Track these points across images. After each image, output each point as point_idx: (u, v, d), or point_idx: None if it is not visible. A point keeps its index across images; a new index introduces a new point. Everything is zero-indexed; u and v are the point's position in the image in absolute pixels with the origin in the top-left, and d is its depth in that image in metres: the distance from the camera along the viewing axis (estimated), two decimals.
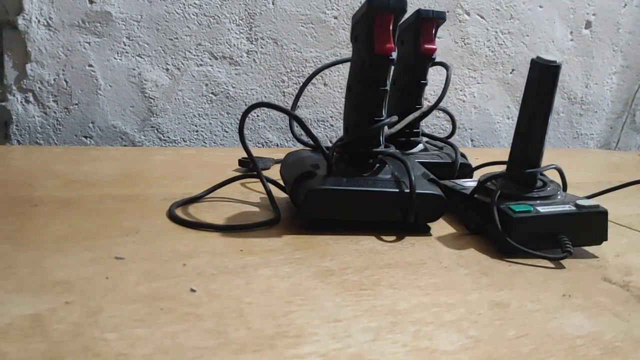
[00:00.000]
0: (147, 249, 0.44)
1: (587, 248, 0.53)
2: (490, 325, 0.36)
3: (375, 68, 0.52)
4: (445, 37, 1.20)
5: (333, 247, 0.48)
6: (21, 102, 0.93)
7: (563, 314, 0.38)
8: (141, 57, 0.98)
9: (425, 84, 0.72)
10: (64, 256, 0.41)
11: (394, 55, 0.51)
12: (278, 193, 0.61)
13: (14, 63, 0.92)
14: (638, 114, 1.51)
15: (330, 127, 1.14)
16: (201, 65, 1.02)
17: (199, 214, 0.55)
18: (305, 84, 0.74)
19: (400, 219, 0.53)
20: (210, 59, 1.02)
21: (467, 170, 0.71)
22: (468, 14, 1.21)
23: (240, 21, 1.03)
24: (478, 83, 1.26)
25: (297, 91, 0.74)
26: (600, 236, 0.51)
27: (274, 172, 0.77)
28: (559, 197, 0.53)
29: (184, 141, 1.04)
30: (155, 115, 1.01)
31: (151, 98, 1.00)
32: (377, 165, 0.55)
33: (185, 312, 0.34)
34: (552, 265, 0.48)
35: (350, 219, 0.53)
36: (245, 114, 0.54)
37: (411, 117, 0.70)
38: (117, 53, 0.97)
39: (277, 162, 0.83)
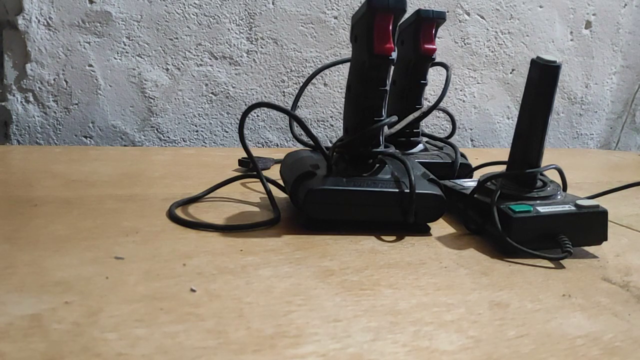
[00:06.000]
0: (147, 249, 0.44)
1: (587, 248, 0.53)
2: (490, 325, 0.36)
3: (375, 68, 0.52)
4: (445, 37, 1.20)
5: (333, 247, 0.48)
6: (21, 102, 0.93)
7: (563, 313, 0.38)
8: (141, 57, 0.98)
9: (425, 84, 0.72)
10: (64, 256, 0.41)
11: (394, 55, 0.51)
12: (278, 193, 0.61)
13: (14, 63, 0.92)
14: (638, 114, 1.51)
15: (330, 127, 1.14)
16: (201, 65, 1.02)
17: (199, 214, 0.55)
18: (305, 84, 0.74)
19: (400, 219, 0.53)
20: (210, 59, 1.02)
21: (467, 170, 0.71)
22: (468, 14, 1.21)
23: (240, 21, 1.03)
24: (478, 83, 1.26)
25: (297, 91, 0.74)
26: (600, 236, 0.51)
27: (274, 172, 0.77)
28: (559, 197, 0.53)
29: (184, 141, 1.04)
30: (155, 115, 1.01)
31: (151, 98, 1.00)
32: (377, 165, 0.55)
33: (185, 312, 0.34)
34: (552, 265, 0.48)
35: (350, 219, 0.53)
36: (245, 114, 0.54)
37: (411, 117, 0.70)
38: (117, 53, 0.97)
39: (277, 162, 0.83)
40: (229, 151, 0.94)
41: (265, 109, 1.08)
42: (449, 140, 0.77)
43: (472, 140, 1.30)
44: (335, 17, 1.09)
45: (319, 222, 0.52)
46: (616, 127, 1.49)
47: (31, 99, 0.94)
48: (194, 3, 1.00)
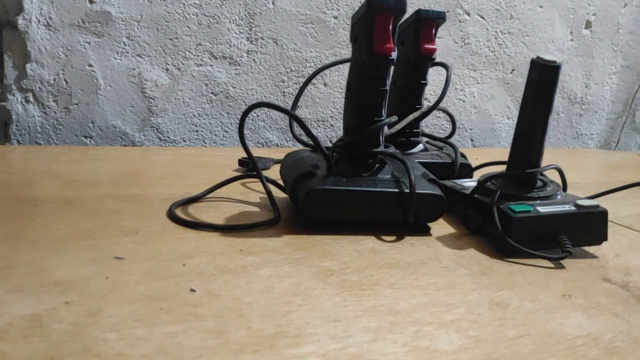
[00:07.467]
0: (147, 249, 0.44)
1: (587, 248, 0.53)
2: (490, 325, 0.36)
3: (375, 68, 0.52)
4: (445, 37, 1.20)
5: (333, 247, 0.48)
6: (21, 102, 0.93)
7: (563, 313, 0.38)
8: (141, 57, 0.98)
9: (425, 84, 0.72)
10: (64, 256, 0.41)
11: (394, 55, 0.51)
12: (278, 193, 0.61)
13: (14, 63, 0.92)
14: (638, 114, 1.51)
15: (330, 127, 1.14)
16: (201, 65, 1.02)
17: (199, 214, 0.55)
18: (305, 84, 0.74)
19: (400, 219, 0.53)
20: (210, 59, 1.02)
21: (467, 170, 0.71)
22: (468, 14, 1.21)
23: (240, 21, 1.03)
24: (478, 83, 1.26)
25: (297, 91, 0.74)
26: (600, 236, 0.51)
27: (274, 172, 0.77)
28: (559, 197, 0.53)
29: (184, 141, 1.04)
30: (155, 115, 1.01)
31: (151, 98, 1.00)
32: (377, 165, 0.55)
33: (185, 312, 0.34)
34: (552, 265, 0.48)
35: (350, 219, 0.53)
36: (245, 114, 0.54)
37: (411, 117, 0.70)
38: (117, 53, 0.97)
39: (277, 162, 0.83)
40: (229, 151, 0.94)
41: (265, 109, 1.08)
42: (449, 140, 0.77)
43: (472, 140, 1.30)
44: (335, 17, 1.09)
45: (319, 222, 0.52)
46: (616, 127, 1.49)
47: (31, 99, 0.94)
48: (194, 3, 1.00)
